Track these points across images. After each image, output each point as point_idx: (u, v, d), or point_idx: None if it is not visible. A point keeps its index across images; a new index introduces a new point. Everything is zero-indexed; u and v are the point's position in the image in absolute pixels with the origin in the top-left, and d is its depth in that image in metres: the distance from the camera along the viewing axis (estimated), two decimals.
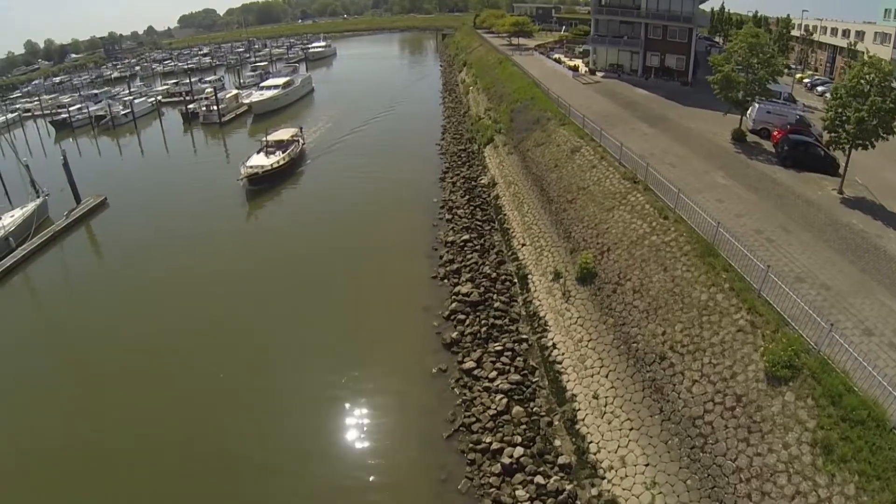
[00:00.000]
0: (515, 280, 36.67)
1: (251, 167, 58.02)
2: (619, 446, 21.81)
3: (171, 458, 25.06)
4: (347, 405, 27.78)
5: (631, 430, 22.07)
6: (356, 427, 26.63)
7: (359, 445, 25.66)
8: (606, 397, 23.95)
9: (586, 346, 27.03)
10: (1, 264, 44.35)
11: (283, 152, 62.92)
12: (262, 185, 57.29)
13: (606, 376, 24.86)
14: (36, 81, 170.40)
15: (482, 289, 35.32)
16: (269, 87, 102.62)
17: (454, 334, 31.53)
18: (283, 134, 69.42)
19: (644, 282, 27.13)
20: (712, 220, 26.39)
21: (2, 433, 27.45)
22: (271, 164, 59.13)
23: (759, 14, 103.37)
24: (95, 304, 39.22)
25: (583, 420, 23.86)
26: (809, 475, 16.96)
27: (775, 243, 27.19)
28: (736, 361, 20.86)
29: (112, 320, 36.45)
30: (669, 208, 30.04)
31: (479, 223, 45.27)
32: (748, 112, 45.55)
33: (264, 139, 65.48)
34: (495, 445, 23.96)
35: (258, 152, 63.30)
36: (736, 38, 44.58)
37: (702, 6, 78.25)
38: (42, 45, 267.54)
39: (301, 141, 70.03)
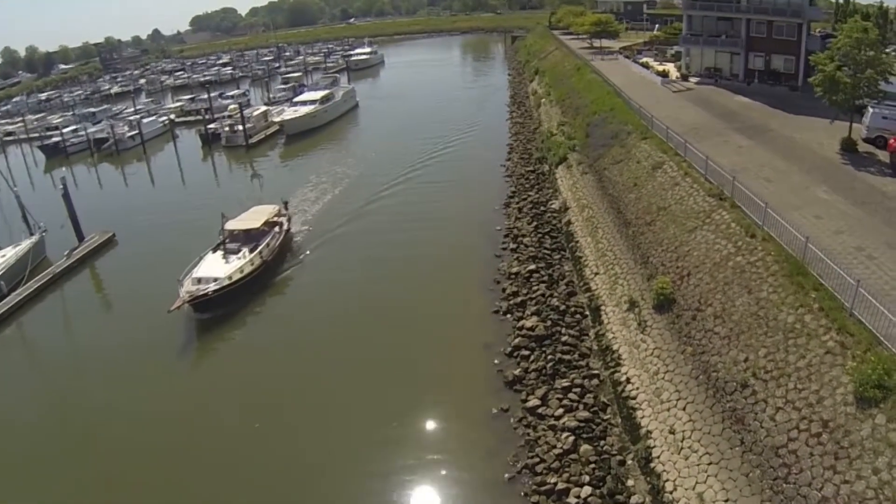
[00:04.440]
0: (587, 312, 39.71)
1: (198, 280, 44.50)
2: (696, 482, 24.20)
3: None
4: (400, 448, 30.93)
5: (709, 464, 24.46)
6: (410, 470, 29.64)
7: (413, 490, 28.64)
8: (683, 431, 26.46)
9: (662, 378, 29.71)
10: None
11: (253, 251, 48.50)
12: (216, 310, 43.79)
13: (684, 409, 27.42)
14: (17, 98, 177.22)
15: (549, 322, 38.42)
16: (304, 103, 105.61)
17: (517, 371, 34.66)
18: (255, 218, 52.75)
19: (726, 306, 29.62)
20: (801, 236, 28.68)
21: None
22: (229, 277, 44.69)
23: (884, 5, 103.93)
24: (100, 364, 40.43)
25: (658, 457, 26.39)
26: None
27: (877, 261, 29.21)
28: (823, 385, 23.00)
29: (120, 386, 37.64)
30: (757, 225, 32.46)
31: (547, 252, 48.70)
32: (863, 118, 47.24)
33: (222, 229, 50.72)
34: (561, 486, 26.62)
35: (214, 250, 49.53)
36: (841, 32, 46.42)
37: None
38: (23, 54, 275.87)
39: (284, 225, 55.15)
